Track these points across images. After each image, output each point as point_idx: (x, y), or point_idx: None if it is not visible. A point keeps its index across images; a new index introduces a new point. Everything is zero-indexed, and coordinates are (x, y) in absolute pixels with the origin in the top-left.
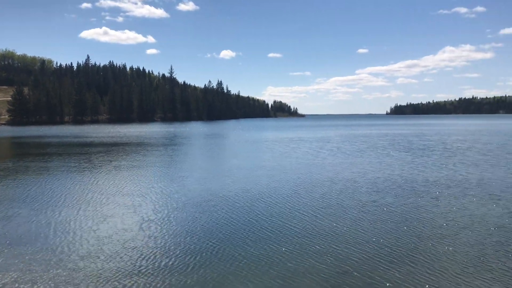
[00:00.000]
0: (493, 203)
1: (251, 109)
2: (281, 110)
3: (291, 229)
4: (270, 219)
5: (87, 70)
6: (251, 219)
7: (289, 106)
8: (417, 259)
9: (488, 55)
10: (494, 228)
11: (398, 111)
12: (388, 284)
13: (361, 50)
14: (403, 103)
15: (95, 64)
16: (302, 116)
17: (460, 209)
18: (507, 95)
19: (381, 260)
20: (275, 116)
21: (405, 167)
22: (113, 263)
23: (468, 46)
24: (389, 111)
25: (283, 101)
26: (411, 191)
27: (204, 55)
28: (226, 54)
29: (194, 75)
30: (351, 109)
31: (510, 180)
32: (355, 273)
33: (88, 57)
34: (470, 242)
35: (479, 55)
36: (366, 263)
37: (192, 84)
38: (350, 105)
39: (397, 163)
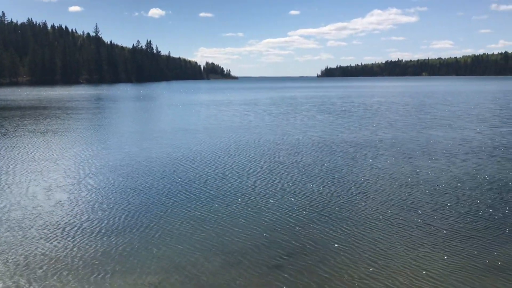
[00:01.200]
0: (404, 161)
1: (183, 71)
2: (214, 72)
3: (209, 192)
4: (189, 183)
5: (2, 28)
6: (169, 184)
7: (222, 68)
8: (333, 216)
9: (413, 18)
10: (401, 185)
11: (329, 73)
12: (304, 240)
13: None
14: (333, 66)
15: (11, 21)
16: (236, 78)
17: (373, 168)
18: (429, 58)
19: (299, 218)
20: (208, 78)
21: (326, 128)
22: (15, 231)
23: (394, 10)
24: (320, 73)
25: (216, 62)
26: (330, 152)
27: (132, 14)
28: (155, 12)
29: (122, 35)
30: (283, 72)
31: (422, 140)
32: (271, 233)
33: (3, 13)
34: (379, 199)
35: (405, 19)
36: (284, 222)
37: (120, 44)
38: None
39: (319, 125)
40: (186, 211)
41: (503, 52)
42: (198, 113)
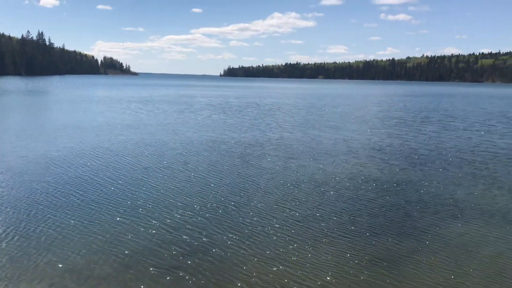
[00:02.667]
0: (288, 161)
1: (78, 64)
2: (112, 67)
3: (91, 194)
4: (71, 185)
5: None
6: (54, 186)
7: (121, 64)
8: (220, 216)
9: (311, 23)
10: (284, 184)
11: (231, 73)
12: (194, 240)
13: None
14: (236, 66)
15: None
16: (135, 74)
17: (259, 167)
18: (325, 62)
19: (187, 219)
20: (106, 73)
21: (218, 128)
22: None
23: (294, 14)
24: (222, 73)
25: (115, 57)
26: (218, 152)
27: (22, 2)
28: (48, 2)
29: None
30: (186, 69)
31: (306, 140)
32: (162, 235)
33: None
34: (263, 198)
35: (304, 23)
36: (174, 223)
37: (7, 34)
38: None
39: (212, 124)
40: (73, 214)
41: (391, 58)
42: (86, 110)
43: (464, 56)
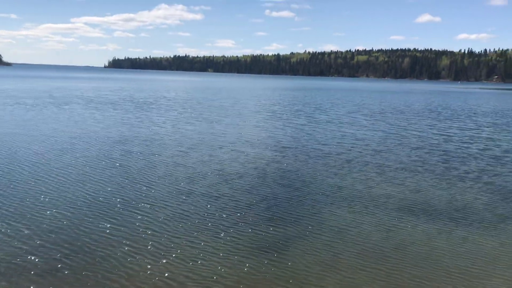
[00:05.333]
0: (157, 156)
1: None
2: None
3: None
4: None
5: None
6: None
7: None
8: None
9: (199, 16)
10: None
11: (117, 64)
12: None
13: None
14: (121, 57)
15: None
16: (8, 64)
17: (133, 163)
18: (214, 55)
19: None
20: None
21: (84, 123)
22: None
23: (181, 6)
24: (107, 64)
25: None
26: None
27: None
28: None
29: None
30: (67, 60)
31: (174, 133)
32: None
33: None
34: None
35: (191, 16)
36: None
37: None
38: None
39: (78, 118)
40: None
41: (276, 54)
42: None
43: (342, 52)
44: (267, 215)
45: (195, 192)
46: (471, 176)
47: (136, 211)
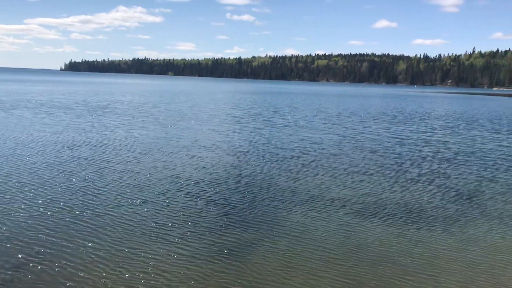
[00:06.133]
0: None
1: None
2: None
3: None
4: None
5: None
6: None
7: None
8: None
9: (158, 19)
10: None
11: (74, 67)
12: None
13: None
14: (78, 60)
15: None
16: None
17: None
18: (175, 59)
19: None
20: None
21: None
22: None
23: (140, 8)
24: (63, 67)
25: None
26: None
27: None
28: None
29: None
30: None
31: (122, 139)
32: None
33: None
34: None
35: (150, 18)
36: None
37: None
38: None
39: (25, 123)
40: None
41: (237, 57)
42: None
43: (302, 56)
44: (222, 221)
45: (146, 200)
46: (424, 178)
47: (80, 221)
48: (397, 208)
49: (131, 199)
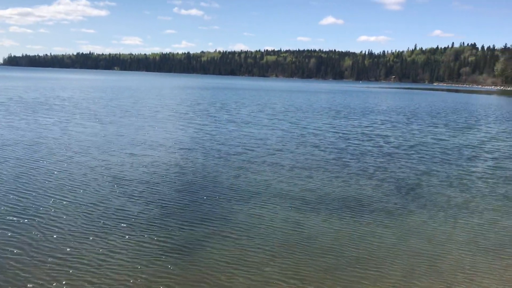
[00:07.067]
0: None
1: None
2: None
3: None
4: None
5: None
6: None
7: None
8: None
9: (103, 12)
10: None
11: (13, 62)
12: None
13: None
14: (18, 54)
15: None
16: None
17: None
18: (121, 53)
19: None
20: None
21: None
22: None
23: (84, 1)
24: (1, 61)
25: None
26: None
27: None
28: None
29: None
30: None
31: (43, 133)
32: None
33: None
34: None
35: (95, 12)
36: None
37: None
38: None
39: None
40: None
41: (186, 52)
42: None
43: (252, 52)
44: (165, 221)
45: (80, 202)
46: (365, 172)
47: (5, 225)
48: (340, 202)
49: (64, 201)
